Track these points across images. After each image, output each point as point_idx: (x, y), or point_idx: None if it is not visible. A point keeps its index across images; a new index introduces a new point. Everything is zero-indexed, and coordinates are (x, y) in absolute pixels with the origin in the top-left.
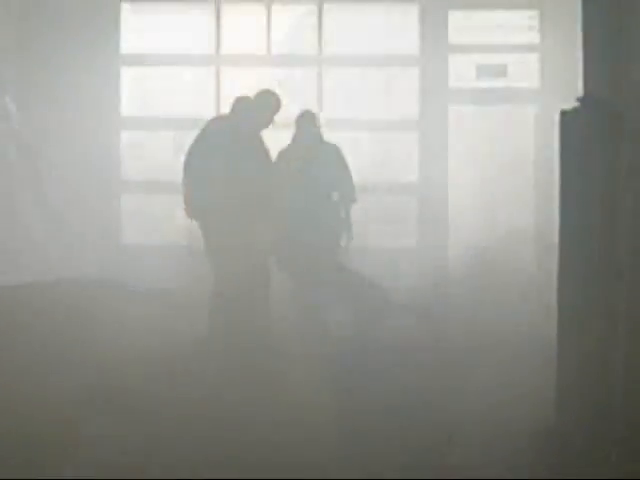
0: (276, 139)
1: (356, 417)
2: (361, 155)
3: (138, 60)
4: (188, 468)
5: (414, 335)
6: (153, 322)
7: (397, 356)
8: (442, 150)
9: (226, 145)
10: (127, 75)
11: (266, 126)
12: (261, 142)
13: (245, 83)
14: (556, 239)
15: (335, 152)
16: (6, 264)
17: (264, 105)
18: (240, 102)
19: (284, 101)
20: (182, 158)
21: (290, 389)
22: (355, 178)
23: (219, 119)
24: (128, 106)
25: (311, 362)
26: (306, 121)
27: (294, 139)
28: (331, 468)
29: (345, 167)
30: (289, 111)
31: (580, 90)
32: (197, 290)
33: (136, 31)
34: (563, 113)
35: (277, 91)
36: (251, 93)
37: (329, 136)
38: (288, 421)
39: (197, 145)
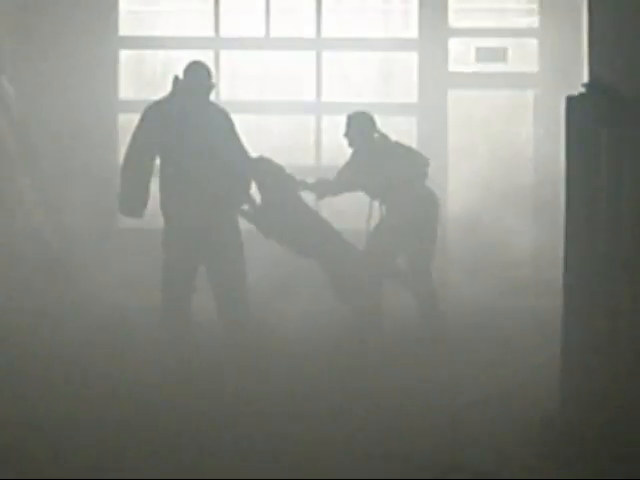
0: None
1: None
2: None
3: (136, 43)
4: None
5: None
6: None
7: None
8: (441, 134)
9: (176, 125)
10: (125, 58)
11: (206, 94)
12: (212, 112)
13: (244, 66)
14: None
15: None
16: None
17: (195, 76)
18: (175, 82)
19: (283, 85)
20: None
21: None
22: None
23: (155, 105)
24: (126, 89)
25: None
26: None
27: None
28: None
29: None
30: (287, 94)
31: (579, 74)
32: None
33: (134, 13)
34: (569, 99)
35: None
36: (247, 76)
37: (327, 120)
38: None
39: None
